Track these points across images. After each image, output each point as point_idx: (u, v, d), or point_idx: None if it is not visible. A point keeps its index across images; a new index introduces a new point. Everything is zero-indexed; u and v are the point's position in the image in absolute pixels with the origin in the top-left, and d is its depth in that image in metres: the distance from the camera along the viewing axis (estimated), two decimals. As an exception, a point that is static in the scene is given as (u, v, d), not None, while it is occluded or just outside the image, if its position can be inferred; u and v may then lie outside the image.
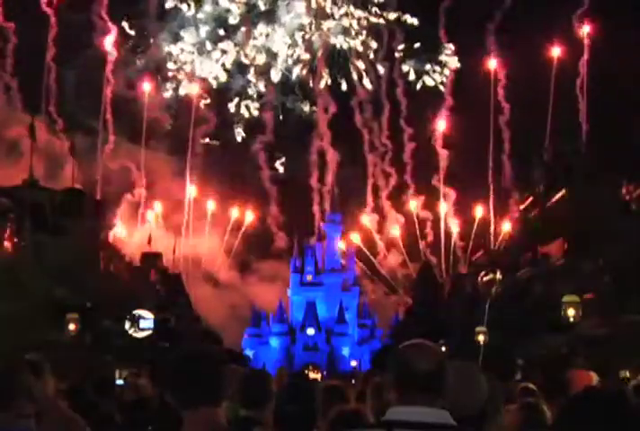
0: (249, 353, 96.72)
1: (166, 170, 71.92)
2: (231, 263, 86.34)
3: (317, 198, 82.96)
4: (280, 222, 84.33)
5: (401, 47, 76.58)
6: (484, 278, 29.47)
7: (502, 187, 65.36)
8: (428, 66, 76.74)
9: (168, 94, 74.42)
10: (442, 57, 76.57)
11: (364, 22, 75.24)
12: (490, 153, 69.49)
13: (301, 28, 75.22)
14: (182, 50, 74.15)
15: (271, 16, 74.60)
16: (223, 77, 74.97)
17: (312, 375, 68.57)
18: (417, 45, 76.15)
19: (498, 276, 29.57)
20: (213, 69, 74.45)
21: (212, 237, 76.25)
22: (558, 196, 43.13)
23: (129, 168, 69.34)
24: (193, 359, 3.36)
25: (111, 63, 68.47)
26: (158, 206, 71.06)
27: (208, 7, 73.93)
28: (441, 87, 77.72)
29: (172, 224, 71.90)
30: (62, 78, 69.02)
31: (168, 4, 72.98)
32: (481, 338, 30.47)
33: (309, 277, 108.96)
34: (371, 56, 76.78)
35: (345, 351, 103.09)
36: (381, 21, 75.59)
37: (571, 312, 27.24)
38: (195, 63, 74.39)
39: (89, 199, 51.72)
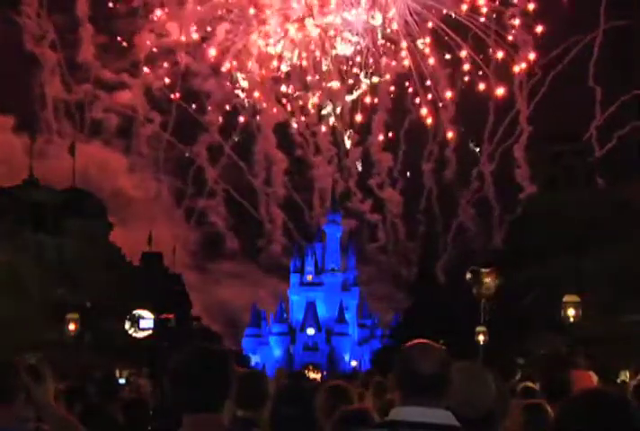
0: (249, 353, 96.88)
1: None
2: (189, 263, 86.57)
3: (264, 200, 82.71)
4: (230, 223, 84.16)
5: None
6: (467, 277, 29.39)
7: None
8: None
9: None
10: None
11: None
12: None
13: None
14: None
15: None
16: None
17: (312, 375, 68.54)
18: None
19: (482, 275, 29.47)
20: None
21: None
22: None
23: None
24: (200, 359, 3.15)
25: (48, 63, 68.40)
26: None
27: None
28: None
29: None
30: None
31: None
32: (481, 338, 30.42)
33: (309, 277, 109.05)
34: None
35: (345, 351, 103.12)
36: None
37: (571, 312, 27.18)
38: None
39: (89, 199, 51.73)
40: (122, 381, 18.79)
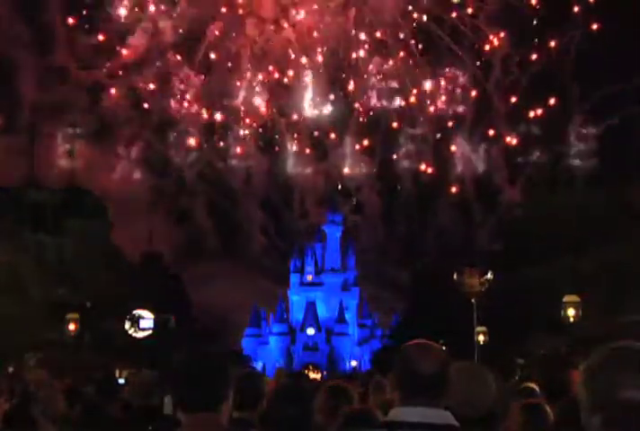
0: (249, 353, 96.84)
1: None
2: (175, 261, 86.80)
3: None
4: (211, 223, 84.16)
5: None
6: (453, 277, 29.47)
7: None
8: None
9: None
10: None
11: None
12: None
13: None
14: None
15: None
16: None
17: (312, 375, 68.55)
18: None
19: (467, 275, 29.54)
20: None
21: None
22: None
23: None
24: (199, 360, 3.20)
25: (27, 64, 68.47)
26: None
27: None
28: None
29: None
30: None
31: None
32: (481, 338, 30.45)
33: (309, 277, 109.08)
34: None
35: (345, 351, 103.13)
36: None
37: (571, 312, 27.19)
38: None
39: (89, 199, 51.68)
40: (122, 381, 18.78)
